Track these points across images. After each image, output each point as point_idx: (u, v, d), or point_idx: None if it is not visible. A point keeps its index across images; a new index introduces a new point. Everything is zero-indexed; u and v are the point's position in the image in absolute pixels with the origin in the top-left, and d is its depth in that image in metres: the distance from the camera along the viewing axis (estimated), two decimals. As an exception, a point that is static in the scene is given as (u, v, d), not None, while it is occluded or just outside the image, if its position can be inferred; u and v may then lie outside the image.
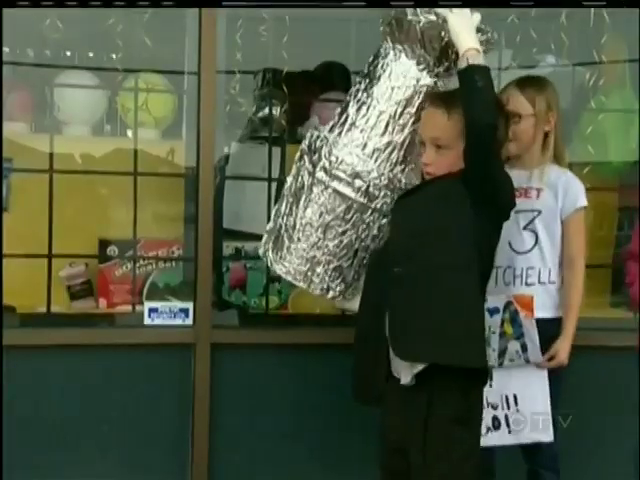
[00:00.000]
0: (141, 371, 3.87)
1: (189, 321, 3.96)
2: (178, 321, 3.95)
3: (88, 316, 4.11)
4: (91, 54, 4.46)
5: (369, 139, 3.02)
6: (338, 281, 3.15)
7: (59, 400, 3.84)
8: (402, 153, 3.04)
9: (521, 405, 3.29)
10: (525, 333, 3.25)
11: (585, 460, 3.97)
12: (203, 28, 3.87)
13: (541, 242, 3.42)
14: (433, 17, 2.92)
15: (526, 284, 3.42)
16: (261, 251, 3.24)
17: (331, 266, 3.11)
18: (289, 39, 4.14)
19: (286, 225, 3.15)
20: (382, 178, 3.02)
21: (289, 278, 3.17)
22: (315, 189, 3.07)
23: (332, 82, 4.45)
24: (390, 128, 3.01)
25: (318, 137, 3.11)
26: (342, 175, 3.02)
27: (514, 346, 3.32)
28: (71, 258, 4.10)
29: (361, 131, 3.03)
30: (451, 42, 2.94)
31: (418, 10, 2.94)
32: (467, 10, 2.93)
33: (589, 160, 4.18)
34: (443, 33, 2.93)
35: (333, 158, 3.03)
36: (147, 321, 3.96)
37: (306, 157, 3.12)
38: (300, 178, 3.13)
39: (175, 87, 4.31)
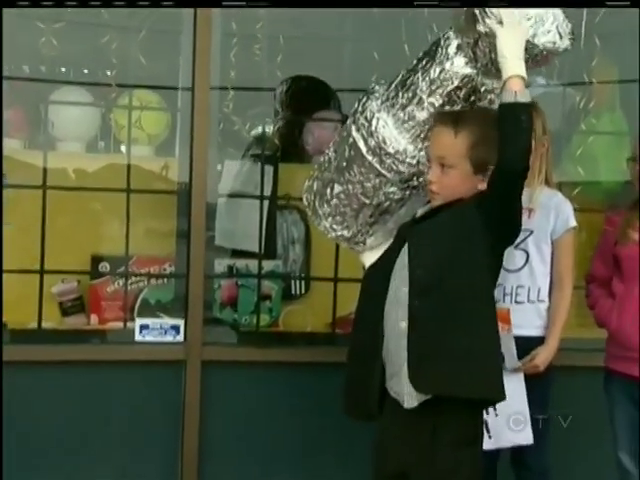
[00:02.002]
0: (132, 388, 3.86)
1: (180, 338, 3.96)
2: (169, 338, 3.95)
3: (79, 332, 4.09)
4: (86, 71, 4.48)
5: (397, 104, 2.96)
6: (340, 226, 3.15)
7: (50, 416, 3.82)
8: (419, 132, 2.96)
9: (499, 410, 3.27)
10: (502, 346, 3.15)
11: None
12: (197, 46, 3.90)
13: (532, 261, 3.47)
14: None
15: (516, 302, 3.46)
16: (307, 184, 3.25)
17: (336, 210, 3.12)
18: (283, 58, 4.23)
19: (324, 154, 3.18)
20: (393, 145, 2.96)
21: (305, 203, 3.21)
22: (344, 130, 3.09)
23: (327, 101, 4.50)
24: (418, 100, 2.93)
25: (372, 87, 3.07)
26: (362, 127, 2.99)
27: None
28: (63, 274, 4.09)
29: (395, 95, 2.98)
30: (484, 36, 2.82)
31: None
32: (519, 20, 2.75)
33: (579, 180, 4.25)
34: (477, 25, 2.80)
35: (362, 108, 3.01)
36: (138, 338, 3.95)
37: (357, 103, 3.09)
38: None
39: (169, 104, 4.33)
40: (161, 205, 4.20)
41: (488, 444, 3.25)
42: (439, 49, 2.89)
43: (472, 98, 2.88)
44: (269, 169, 4.30)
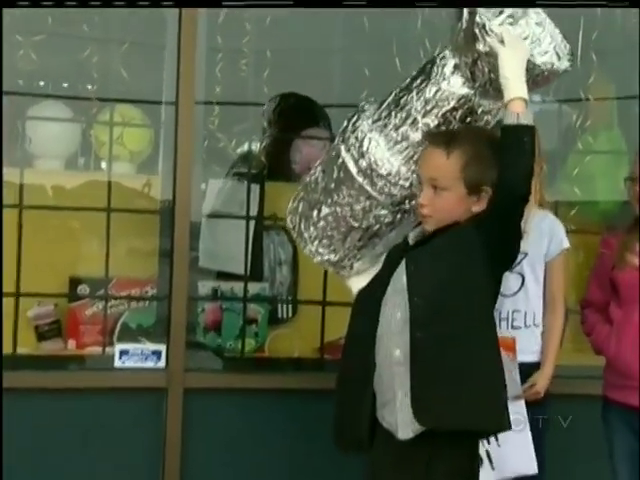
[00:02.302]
0: (110, 417, 3.81)
1: (161, 364, 3.92)
2: (150, 364, 3.91)
3: (56, 358, 4.05)
4: (65, 85, 4.43)
5: (390, 124, 2.92)
6: (327, 250, 3.10)
7: (24, 446, 3.76)
8: (413, 153, 2.92)
9: (502, 440, 3.24)
10: (507, 374, 3.19)
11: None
12: (182, 59, 3.87)
13: (527, 284, 3.48)
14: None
15: (512, 327, 3.46)
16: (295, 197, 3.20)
17: (323, 233, 3.07)
18: (270, 74, 4.22)
19: (310, 175, 3.14)
20: (385, 166, 2.92)
21: (290, 226, 3.17)
22: (332, 150, 3.05)
23: (315, 118, 4.49)
24: (412, 121, 2.89)
25: (363, 105, 3.02)
26: (352, 148, 2.95)
27: None
28: (40, 297, 4.04)
29: (388, 114, 2.94)
30: (483, 55, 2.80)
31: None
32: (520, 40, 2.74)
33: (576, 200, 4.27)
34: (476, 44, 2.77)
35: (353, 127, 2.96)
36: (117, 364, 3.91)
37: (346, 121, 3.04)
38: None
39: (152, 120, 4.30)
40: (143, 225, 4.17)
41: (492, 476, 3.28)
42: (435, 68, 2.86)
43: (468, 119, 2.86)
44: (255, 188, 4.28)
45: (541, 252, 3.48)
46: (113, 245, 4.02)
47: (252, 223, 4.22)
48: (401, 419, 2.78)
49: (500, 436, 3.16)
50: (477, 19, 2.71)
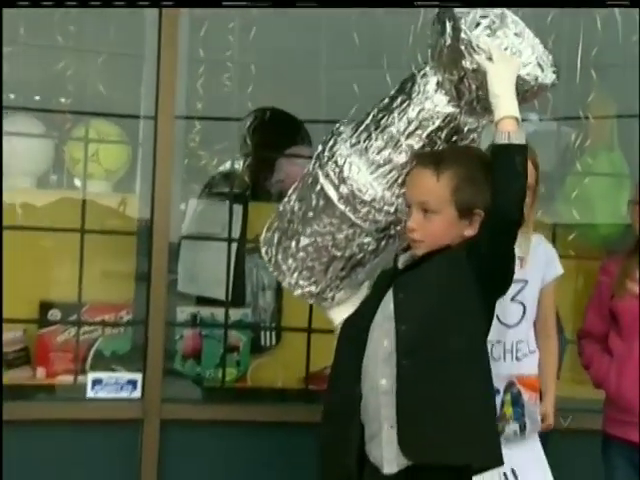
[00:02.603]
0: (83, 450, 3.76)
1: (137, 394, 3.86)
2: (125, 394, 3.86)
3: (24, 387, 3.98)
4: (38, 98, 4.35)
5: (371, 147, 2.85)
6: (308, 282, 3.04)
7: None
8: (397, 176, 2.86)
9: (521, 478, 3.28)
10: (527, 414, 3.26)
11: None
12: (161, 71, 3.82)
13: (528, 313, 3.41)
14: (455, 40, 2.69)
15: (516, 359, 3.37)
16: (266, 228, 3.15)
17: (302, 264, 3.01)
18: (255, 89, 4.11)
19: (284, 209, 3.06)
20: (369, 192, 2.85)
21: (265, 258, 3.10)
22: (309, 180, 2.96)
23: (299, 136, 4.50)
24: (395, 144, 2.83)
25: (338, 128, 2.95)
26: (331, 173, 2.88)
27: (512, 427, 3.30)
28: (8, 323, 3.90)
29: (368, 137, 2.86)
30: (470, 72, 2.73)
31: (447, 29, 2.72)
32: (509, 55, 2.72)
33: (574, 224, 4.25)
34: (463, 61, 2.73)
35: (330, 153, 2.90)
36: (90, 394, 3.85)
37: (321, 145, 2.97)
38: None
39: (129, 136, 4.24)
40: (119, 246, 4.11)
41: None
42: (415, 86, 2.82)
43: (454, 138, 2.82)
44: (238, 208, 4.24)
45: (538, 278, 3.43)
46: (87, 267, 3.96)
47: (234, 245, 4.17)
48: (387, 453, 2.74)
49: (520, 473, 3.20)
50: (462, 35, 2.66)
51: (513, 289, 3.25)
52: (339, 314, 3.03)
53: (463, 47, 2.67)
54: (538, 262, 3.41)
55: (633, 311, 3.39)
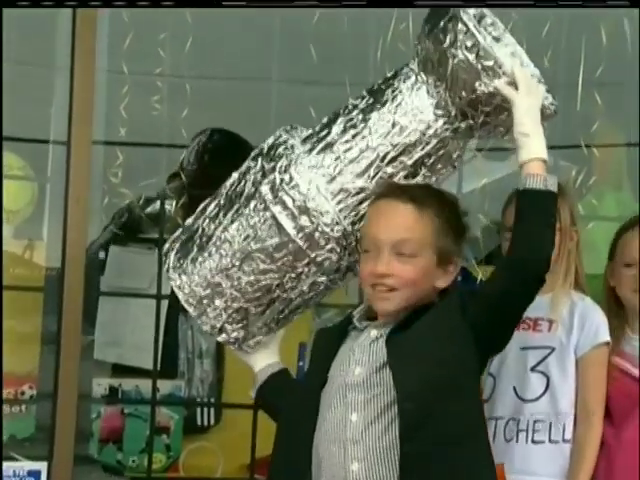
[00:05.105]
0: None
1: None
2: None
3: None
4: None
5: (340, 173, 2.66)
6: (237, 326, 2.81)
7: None
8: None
9: None
10: None
11: None
12: (76, 89, 3.50)
13: (554, 387, 3.17)
14: (472, 56, 2.53)
15: (532, 441, 3.14)
16: (166, 246, 2.91)
17: (235, 304, 2.79)
18: (190, 113, 3.93)
19: (203, 230, 2.79)
20: (336, 228, 2.65)
21: (180, 295, 2.83)
22: (253, 203, 2.71)
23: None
24: (371, 172, 2.65)
25: (285, 141, 2.71)
26: (289, 203, 2.66)
27: None
28: None
29: (336, 159, 2.66)
30: (484, 96, 2.57)
31: (459, 40, 2.55)
32: (536, 84, 2.56)
33: None
34: (478, 84, 2.56)
35: (287, 177, 2.66)
36: None
37: (260, 159, 2.72)
38: (244, 181, 2.76)
39: (35, 169, 4.02)
40: (21, 302, 3.81)
41: None
42: (400, 98, 2.64)
43: (439, 166, 2.66)
44: None
45: (571, 345, 3.21)
46: (-21, 329, 3.75)
47: (165, 303, 3.99)
48: None
49: None
50: (481, 52, 2.50)
51: (535, 357, 3.17)
52: (261, 360, 2.87)
53: (480, 66, 2.51)
54: (570, 326, 3.22)
55: (623, 391, 3.19)
